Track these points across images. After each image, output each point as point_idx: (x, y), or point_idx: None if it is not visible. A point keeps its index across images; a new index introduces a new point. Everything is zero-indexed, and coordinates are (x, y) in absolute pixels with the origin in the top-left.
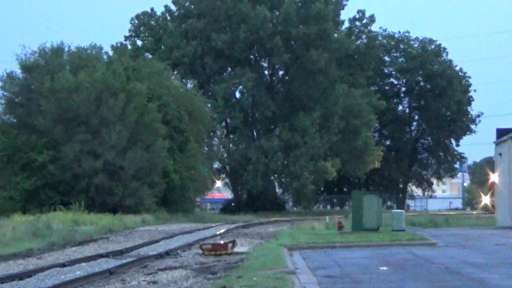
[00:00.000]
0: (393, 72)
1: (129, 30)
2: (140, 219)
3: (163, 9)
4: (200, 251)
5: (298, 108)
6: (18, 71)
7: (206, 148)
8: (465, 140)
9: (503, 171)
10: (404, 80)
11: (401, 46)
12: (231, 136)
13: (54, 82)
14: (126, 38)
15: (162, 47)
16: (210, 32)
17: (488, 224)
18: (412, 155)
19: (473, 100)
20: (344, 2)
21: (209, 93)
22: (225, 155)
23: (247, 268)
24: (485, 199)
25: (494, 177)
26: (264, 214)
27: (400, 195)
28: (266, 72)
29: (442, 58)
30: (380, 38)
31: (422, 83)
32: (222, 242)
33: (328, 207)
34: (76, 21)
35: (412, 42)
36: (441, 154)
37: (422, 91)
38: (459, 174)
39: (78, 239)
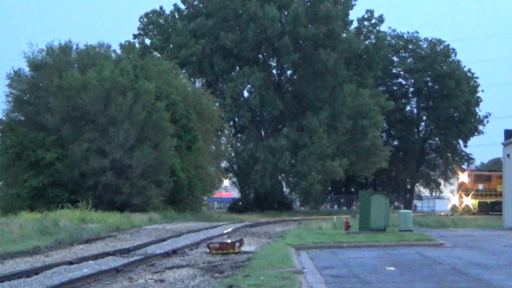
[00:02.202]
0: (402, 73)
1: (138, 29)
2: (147, 218)
3: (172, 7)
4: (207, 250)
5: (306, 107)
6: (26, 69)
7: (214, 147)
8: (473, 141)
9: (511, 172)
10: (412, 81)
11: (410, 47)
12: (239, 135)
13: (62, 80)
14: (135, 36)
15: (171, 45)
16: (218, 31)
17: (496, 225)
18: (420, 155)
19: (481, 101)
20: (353, 2)
21: (217, 92)
22: (233, 154)
23: (254, 267)
24: (454, 200)
25: (463, 177)
26: (271, 213)
27: (408, 195)
28: (274, 71)
29: (451, 59)
30: (388, 38)
31: (430, 84)
32: (229, 241)
33: (336, 207)
34: (84, 19)
35: (420, 43)
36: (449, 155)
37: (431, 92)
38: None
39: (85, 237)
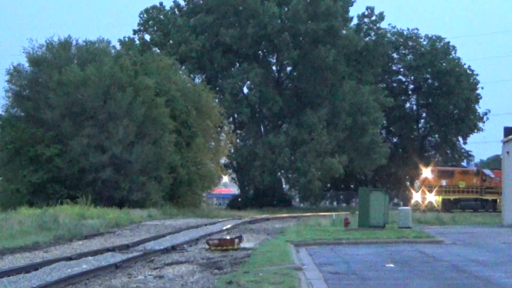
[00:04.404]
0: (401, 69)
1: (138, 24)
2: (146, 214)
3: (172, 3)
4: (207, 246)
5: (305, 104)
6: (25, 64)
7: (213, 143)
8: (473, 138)
9: (510, 169)
10: (412, 78)
11: (410, 43)
12: (239, 131)
13: (62, 76)
14: (134, 32)
15: (171, 41)
16: (218, 27)
17: (495, 222)
18: (419, 152)
19: (481, 98)
20: None
21: (217, 88)
22: (232, 150)
23: (253, 263)
24: (416, 196)
25: (426, 173)
26: (270, 210)
27: (407, 192)
28: (274, 68)
29: (451, 56)
30: (388, 35)
31: (430, 81)
32: (228, 237)
33: (335, 203)
34: (84, 14)
35: (420, 40)
36: (448, 152)
37: (430, 89)
38: None
39: (84, 233)
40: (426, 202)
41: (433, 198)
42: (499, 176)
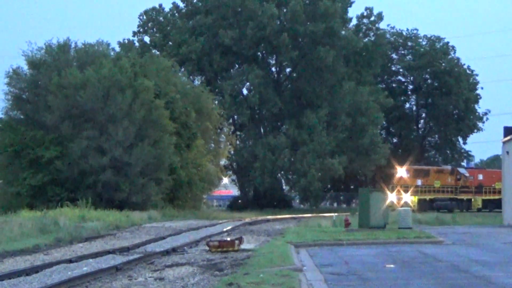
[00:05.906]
0: (401, 70)
1: (138, 26)
2: (147, 216)
3: (171, 5)
4: (207, 248)
5: (305, 105)
6: (25, 67)
7: (213, 145)
8: (472, 138)
9: (510, 169)
10: (411, 78)
11: (409, 44)
12: (238, 133)
13: (61, 79)
14: (134, 34)
15: (170, 43)
16: (217, 29)
17: (495, 222)
18: (419, 152)
19: (480, 98)
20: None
21: (216, 90)
22: (232, 152)
23: (253, 265)
24: (391, 197)
25: (401, 172)
26: (270, 211)
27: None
28: (273, 69)
29: (450, 56)
30: (388, 35)
31: (429, 81)
32: (229, 239)
33: (335, 204)
34: (83, 17)
35: (420, 40)
36: (448, 152)
37: (430, 89)
38: None
39: (85, 235)
40: (402, 202)
41: (409, 198)
42: (473, 175)
